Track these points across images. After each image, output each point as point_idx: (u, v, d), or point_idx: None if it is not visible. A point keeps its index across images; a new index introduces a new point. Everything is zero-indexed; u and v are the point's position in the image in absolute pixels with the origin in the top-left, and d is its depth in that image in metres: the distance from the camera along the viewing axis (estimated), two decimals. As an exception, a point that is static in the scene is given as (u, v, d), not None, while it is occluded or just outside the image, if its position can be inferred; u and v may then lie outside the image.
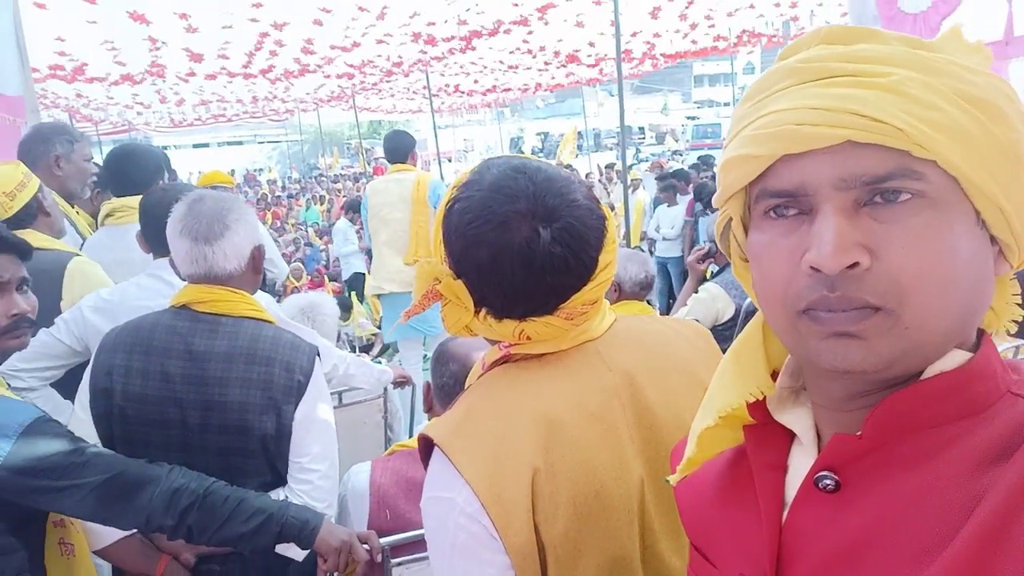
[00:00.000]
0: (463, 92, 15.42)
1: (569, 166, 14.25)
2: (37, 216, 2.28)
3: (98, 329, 1.83)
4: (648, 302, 3.19)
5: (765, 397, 0.63)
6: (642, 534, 0.89)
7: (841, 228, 0.51)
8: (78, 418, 1.62)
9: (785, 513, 0.60)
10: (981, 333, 0.58)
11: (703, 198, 7.24)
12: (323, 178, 24.64)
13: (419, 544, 1.39)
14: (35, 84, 4.36)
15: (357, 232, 8.84)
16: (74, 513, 1.42)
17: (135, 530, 1.57)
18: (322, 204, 17.32)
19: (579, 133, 19.05)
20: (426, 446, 0.89)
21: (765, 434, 0.64)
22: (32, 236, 1.95)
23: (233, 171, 28.68)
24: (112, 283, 2.23)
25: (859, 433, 0.55)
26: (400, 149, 4.47)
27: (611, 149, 27.54)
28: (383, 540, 1.57)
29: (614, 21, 5.59)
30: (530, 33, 9.09)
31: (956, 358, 0.55)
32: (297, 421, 1.61)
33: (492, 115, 27.97)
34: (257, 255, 1.71)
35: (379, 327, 6.91)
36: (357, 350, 6.98)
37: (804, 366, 0.62)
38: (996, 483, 0.49)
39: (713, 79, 48.23)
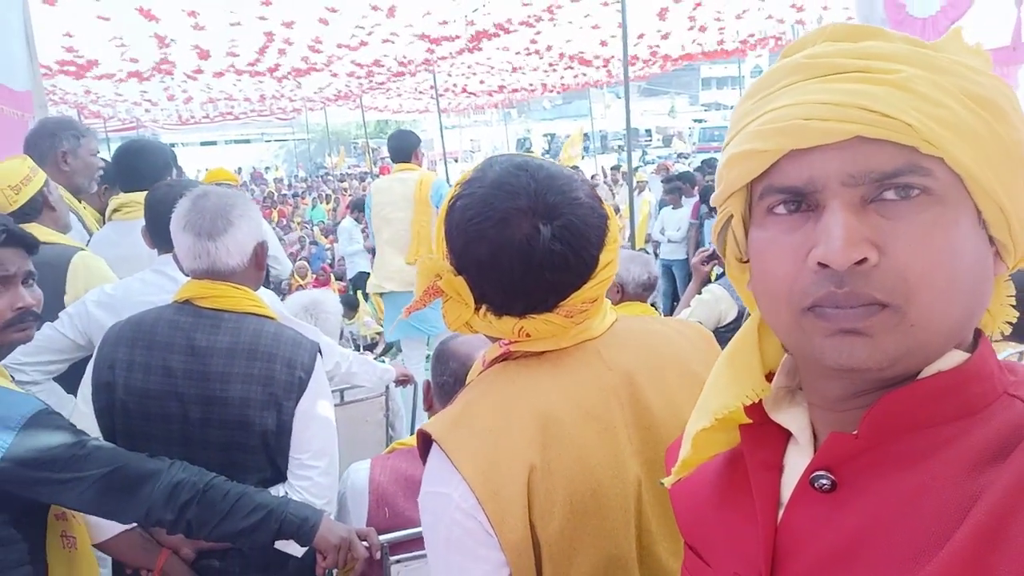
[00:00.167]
0: (470, 92, 15.43)
1: (575, 167, 14.24)
2: (42, 210, 2.29)
3: (102, 324, 1.84)
4: (653, 305, 3.19)
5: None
6: (639, 535, 0.89)
7: (850, 224, 0.51)
8: (80, 412, 1.62)
9: (780, 513, 0.60)
10: (978, 334, 0.58)
11: (709, 201, 7.21)
12: (329, 177, 24.72)
13: (418, 542, 1.39)
14: (44, 80, 4.39)
15: (362, 231, 8.85)
16: (75, 506, 1.43)
17: (135, 524, 1.58)
18: (328, 203, 17.35)
19: (585, 135, 19.06)
20: (424, 442, 0.89)
21: (761, 434, 0.64)
22: (37, 230, 1.96)
23: (240, 169, 28.78)
24: (116, 278, 2.24)
25: (855, 432, 0.55)
26: (404, 148, 4.49)
27: (617, 151, 27.51)
28: (382, 537, 1.57)
29: (621, 23, 5.59)
30: (538, 34, 9.09)
31: (953, 358, 0.55)
32: (298, 417, 1.61)
33: (499, 116, 28.00)
34: (260, 251, 1.71)
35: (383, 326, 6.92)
36: (361, 348, 6.99)
37: (803, 365, 0.62)
38: (992, 483, 0.49)
39: (721, 82, 48.16)
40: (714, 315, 3.06)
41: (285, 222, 15.39)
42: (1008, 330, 0.61)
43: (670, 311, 6.96)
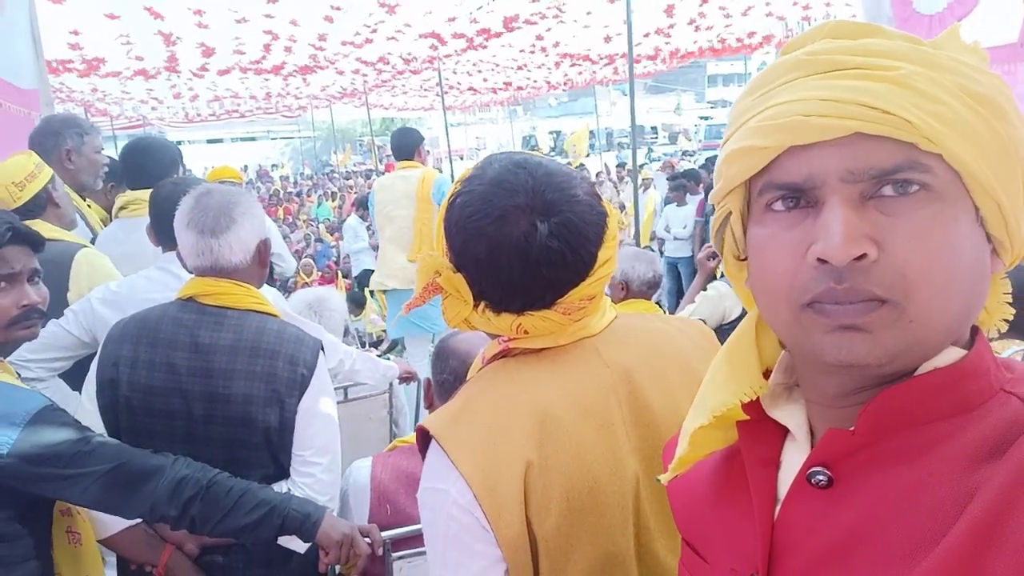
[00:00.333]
0: (475, 90, 15.42)
1: (581, 165, 14.24)
2: (47, 207, 2.29)
3: (106, 321, 1.85)
4: (658, 303, 3.19)
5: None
6: (637, 531, 0.89)
7: (849, 219, 0.51)
8: (85, 408, 1.63)
9: (777, 509, 0.60)
10: (975, 330, 0.58)
11: (713, 198, 7.19)
12: (335, 174, 24.74)
13: (419, 538, 1.39)
14: (51, 78, 4.41)
15: (368, 229, 8.86)
16: (79, 501, 1.43)
17: (139, 520, 1.59)
18: (334, 200, 17.38)
19: (591, 132, 19.04)
20: (424, 438, 0.90)
21: (758, 430, 0.64)
22: (41, 227, 1.96)
23: (246, 167, 28.84)
24: (119, 275, 2.25)
25: (852, 429, 0.55)
26: (407, 146, 4.48)
27: (615, 148, 27.44)
28: (384, 534, 1.58)
29: (626, 20, 5.58)
30: (548, 30, 9.07)
31: (950, 355, 0.55)
32: (300, 414, 1.62)
33: (504, 113, 27.97)
34: (263, 249, 1.72)
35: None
36: (367, 345, 7.01)
37: (801, 361, 0.62)
38: (989, 480, 0.49)
39: (727, 79, 48.03)
40: (719, 311, 3.06)
41: (291, 220, 15.42)
42: (1004, 327, 0.60)
43: (675, 309, 6.94)
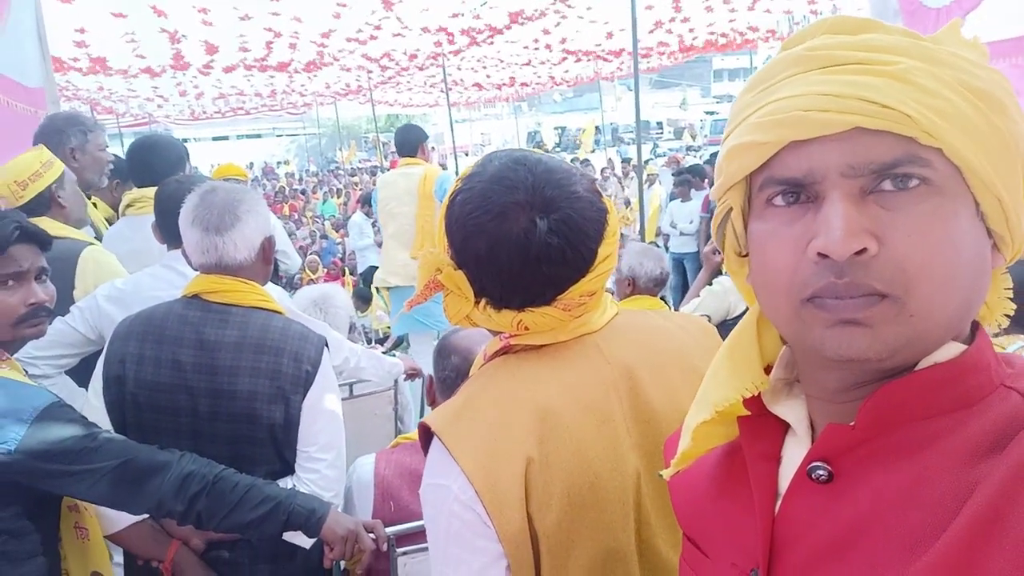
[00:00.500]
0: (480, 86, 15.40)
1: (586, 160, 14.22)
2: (50, 206, 2.30)
3: (112, 318, 1.86)
4: (663, 299, 3.19)
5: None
6: (638, 528, 0.90)
7: (849, 214, 0.51)
8: (91, 405, 1.64)
9: (778, 504, 0.60)
10: (976, 326, 0.58)
11: (717, 193, 7.17)
12: (340, 171, 24.78)
13: (423, 534, 1.40)
14: (57, 76, 4.42)
15: (373, 225, 8.87)
16: (86, 497, 1.44)
17: (146, 515, 1.60)
18: (339, 197, 17.41)
19: (596, 128, 19.00)
20: (425, 434, 0.90)
21: (759, 425, 0.64)
22: (47, 224, 1.97)
23: (251, 164, 28.87)
24: (125, 273, 2.26)
25: (853, 424, 0.55)
26: (409, 142, 4.46)
27: (619, 144, 27.33)
28: (388, 529, 1.59)
29: (631, 15, 5.57)
30: (557, 25, 9.05)
31: (951, 350, 0.55)
32: (305, 411, 1.63)
33: (509, 109, 27.95)
34: (267, 246, 1.73)
35: (392, 320, 6.93)
36: (373, 342, 7.02)
37: (802, 356, 0.62)
38: (989, 475, 0.49)
39: (733, 74, 47.82)
40: (723, 306, 3.06)
41: (296, 216, 15.45)
42: (1005, 322, 0.60)
43: (680, 306, 6.94)
